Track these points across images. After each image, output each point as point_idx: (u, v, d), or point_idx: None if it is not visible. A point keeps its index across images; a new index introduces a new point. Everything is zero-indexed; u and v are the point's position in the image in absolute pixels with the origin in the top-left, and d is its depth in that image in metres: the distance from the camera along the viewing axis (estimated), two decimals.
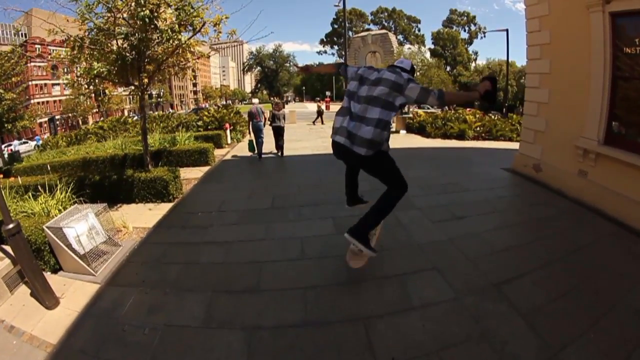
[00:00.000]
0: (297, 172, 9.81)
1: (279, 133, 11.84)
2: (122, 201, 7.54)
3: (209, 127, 15.68)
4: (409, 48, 66.11)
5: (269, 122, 11.98)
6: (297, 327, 3.36)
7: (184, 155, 10.50)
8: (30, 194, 6.75)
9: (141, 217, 6.64)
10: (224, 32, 6.85)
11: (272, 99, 60.32)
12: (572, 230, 5.38)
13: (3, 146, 31.83)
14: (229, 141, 14.54)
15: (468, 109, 36.41)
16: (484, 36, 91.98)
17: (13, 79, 20.03)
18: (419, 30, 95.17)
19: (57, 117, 59.46)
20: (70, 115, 59.29)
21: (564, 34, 7.30)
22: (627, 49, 5.96)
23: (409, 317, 3.40)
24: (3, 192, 6.68)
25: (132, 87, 7.43)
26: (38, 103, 54.62)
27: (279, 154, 11.96)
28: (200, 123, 16.10)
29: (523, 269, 4.19)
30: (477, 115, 17.46)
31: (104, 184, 7.67)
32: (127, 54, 6.79)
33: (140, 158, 10.07)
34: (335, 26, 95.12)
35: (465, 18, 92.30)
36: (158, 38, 6.64)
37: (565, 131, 7.11)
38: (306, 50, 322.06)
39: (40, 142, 27.33)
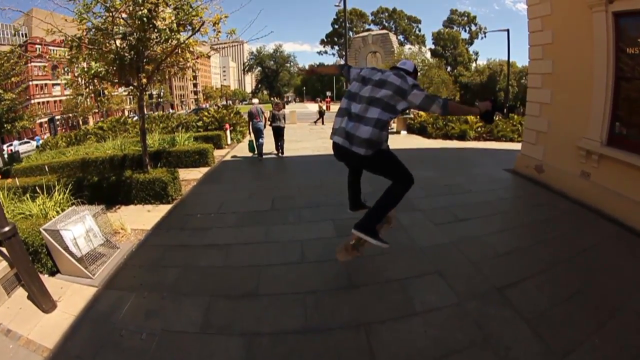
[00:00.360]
0: (298, 173, 9.75)
1: (279, 133, 11.85)
2: (121, 202, 7.48)
3: (208, 127, 15.61)
4: (410, 48, 65.84)
5: (269, 123, 11.92)
6: (297, 333, 3.29)
7: (183, 156, 10.43)
8: (28, 195, 6.67)
9: (140, 219, 6.57)
10: (224, 31, 6.77)
11: (272, 99, 60.32)
12: (575, 232, 5.32)
13: (4, 146, 31.83)
14: (229, 142, 14.48)
15: None
16: (485, 36, 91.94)
17: (12, 79, 20.00)
18: (419, 31, 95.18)
19: (57, 117, 59.41)
20: (70, 115, 59.22)
21: (566, 34, 7.24)
22: (630, 49, 5.90)
23: (411, 322, 3.34)
24: (0, 194, 6.68)
25: (131, 87, 7.35)
26: (38, 103, 54.61)
27: (279, 154, 11.93)
28: (200, 123, 16.03)
29: (526, 273, 4.13)
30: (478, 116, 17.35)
31: (103, 185, 7.62)
32: (126, 54, 6.73)
33: (140, 159, 9.99)
34: (336, 26, 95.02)
35: (465, 18, 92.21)
36: (157, 38, 6.57)
37: (568, 132, 7.05)
38: (306, 50, 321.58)
39: (41, 142, 27.27)
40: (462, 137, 15.06)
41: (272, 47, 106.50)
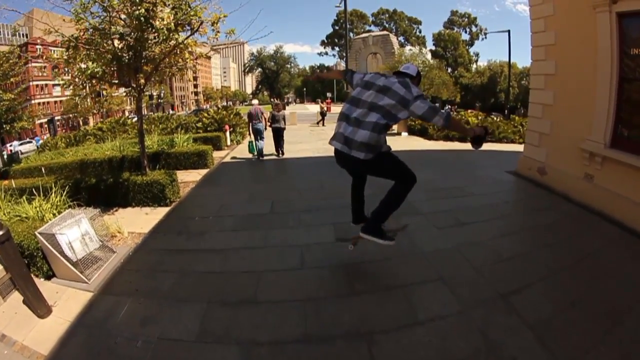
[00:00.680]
0: (298, 175, 9.63)
1: (279, 134, 11.91)
2: (119, 205, 7.40)
3: (208, 128, 15.49)
4: (410, 49, 65.74)
5: (268, 124, 11.91)
6: (296, 342, 3.19)
7: (182, 158, 10.34)
8: (25, 197, 6.59)
9: (137, 222, 6.47)
10: (223, 31, 6.68)
11: (272, 100, 60.29)
12: (579, 236, 5.25)
13: (8, 146, 31.76)
14: (229, 143, 14.37)
15: (470, 111, 36.31)
16: (485, 37, 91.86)
17: (12, 79, 19.93)
18: (420, 32, 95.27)
19: (57, 117, 59.34)
20: (71, 116, 59.16)
21: (569, 35, 7.16)
22: (634, 50, 5.83)
23: (415, 332, 3.23)
24: None
25: (130, 88, 7.25)
26: (39, 104, 54.54)
27: (279, 155, 11.95)
28: (199, 124, 15.90)
29: (530, 278, 4.04)
30: (480, 117, 17.27)
31: (100, 187, 7.56)
32: (124, 55, 6.64)
33: (138, 160, 9.93)
34: (336, 27, 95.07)
35: (466, 19, 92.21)
36: (155, 38, 6.48)
37: (571, 134, 6.98)
38: (307, 51, 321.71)
39: (40, 142, 27.21)
40: (463, 138, 14.88)
41: (273, 48, 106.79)
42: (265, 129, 11.84)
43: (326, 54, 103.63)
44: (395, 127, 17.19)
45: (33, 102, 53.43)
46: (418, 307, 3.54)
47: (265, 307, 3.65)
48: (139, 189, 7.16)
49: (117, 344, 3.33)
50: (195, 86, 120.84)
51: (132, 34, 6.27)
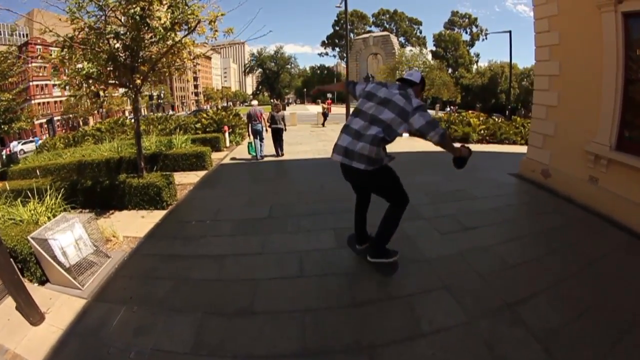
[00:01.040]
0: (297, 177, 9.42)
1: (278, 135, 11.96)
2: (115, 207, 7.28)
3: (207, 129, 15.35)
4: (411, 50, 65.73)
5: (268, 124, 11.89)
6: (294, 356, 3.04)
7: (180, 159, 10.20)
8: (19, 200, 6.47)
9: (133, 226, 6.35)
10: (221, 30, 6.54)
11: (272, 100, 60.14)
12: (585, 241, 5.11)
13: (11, 145, 31.64)
14: (228, 144, 14.20)
15: (470, 112, 36.18)
16: (486, 38, 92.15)
17: (10, 79, 19.82)
18: (420, 32, 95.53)
19: (57, 118, 59.30)
20: (70, 116, 59.16)
21: (574, 35, 7.04)
22: None
23: (418, 344, 3.08)
24: None
25: (126, 89, 7.13)
26: (38, 104, 54.51)
27: (278, 155, 11.99)
28: (198, 125, 15.72)
29: (537, 286, 3.90)
30: (481, 118, 17.13)
31: (96, 190, 7.44)
32: (120, 54, 6.51)
33: (136, 161, 9.80)
34: (337, 28, 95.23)
35: (466, 20, 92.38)
36: (152, 37, 6.34)
37: (576, 136, 6.86)
38: (307, 52, 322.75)
39: (40, 142, 27.11)
40: (464, 139, 14.79)
41: (273, 49, 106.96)
42: (266, 130, 11.84)
43: (326, 54, 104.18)
44: None
45: (33, 102, 53.41)
46: (421, 318, 3.39)
47: (263, 319, 3.49)
48: (135, 192, 7.02)
49: (109, 354, 3.21)
50: (196, 86, 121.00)
51: (128, 33, 6.13)
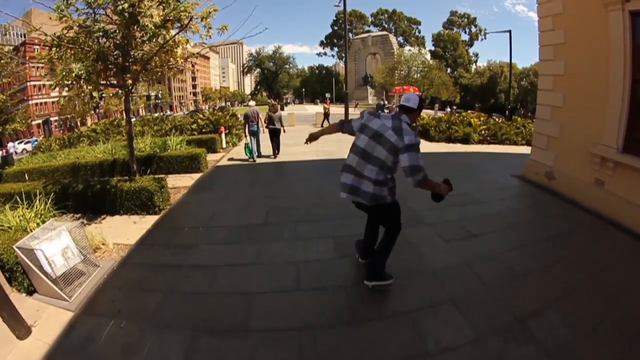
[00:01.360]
0: (295, 180, 9.11)
1: (275, 135, 11.87)
2: (107, 212, 7.05)
3: (203, 130, 15.01)
4: (409, 50, 65.53)
5: (265, 124, 11.83)
6: None
7: (174, 162, 9.90)
8: (8, 205, 6.24)
9: (124, 232, 6.11)
10: (215, 27, 6.29)
11: (269, 100, 59.68)
12: (592, 247, 4.94)
13: (9, 146, 31.28)
14: (224, 145, 13.89)
15: (469, 111, 35.94)
16: (485, 38, 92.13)
17: (4, 80, 19.56)
18: (419, 32, 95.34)
19: (54, 118, 58.98)
20: (68, 116, 58.86)
21: (579, 34, 6.86)
22: None
23: None
24: None
25: (117, 89, 6.89)
26: (36, 104, 54.20)
27: (275, 156, 11.92)
28: (194, 126, 15.32)
29: (547, 298, 3.71)
30: (482, 118, 16.90)
31: (87, 194, 7.20)
32: (110, 54, 6.27)
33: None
34: (335, 28, 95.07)
35: (465, 20, 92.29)
36: (143, 35, 6.09)
37: (581, 137, 6.69)
38: (306, 52, 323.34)
39: (36, 143, 26.86)
40: (465, 140, 14.58)
41: (271, 49, 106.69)
42: (262, 132, 11.78)
43: (325, 54, 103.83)
44: None
45: (30, 102, 53.13)
46: (427, 336, 3.16)
47: (256, 337, 3.24)
48: (126, 196, 6.77)
49: None
50: (194, 87, 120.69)
51: (118, 31, 5.88)
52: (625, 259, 4.61)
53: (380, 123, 3.40)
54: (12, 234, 4.86)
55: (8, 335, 3.55)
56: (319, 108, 40.74)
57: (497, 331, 3.22)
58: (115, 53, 6.37)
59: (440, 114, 32.02)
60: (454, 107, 53.32)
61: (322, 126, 22.27)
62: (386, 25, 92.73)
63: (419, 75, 52.88)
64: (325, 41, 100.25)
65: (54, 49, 6.11)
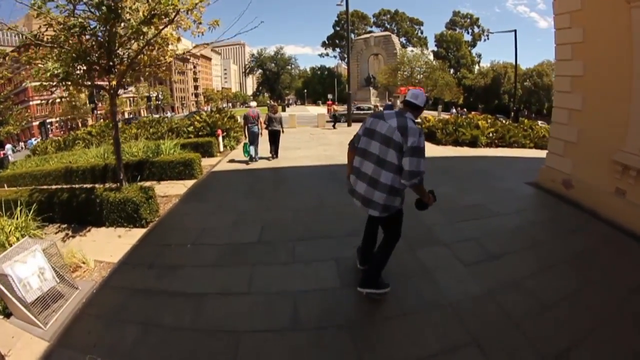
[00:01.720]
0: (294, 189, 8.35)
1: (274, 136, 11.72)
2: (92, 224, 6.57)
3: (199, 133, 14.37)
4: (412, 50, 64.90)
5: (264, 126, 11.60)
6: None
7: (167, 167, 9.32)
8: None
9: (108, 247, 5.63)
10: (206, 22, 5.80)
11: (269, 102, 59.09)
12: (619, 266, 4.49)
13: (6, 148, 30.81)
14: (221, 149, 13.29)
15: (474, 113, 35.39)
16: (488, 38, 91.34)
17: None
18: (421, 33, 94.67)
19: (54, 120, 58.62)
20: (69, 117, 58.56)
21: (599, 32, 6.40)
22: None
23: None
24: None
25: (101, 90, 6.40)
26: (37, 105, 53.83)
27: (273, 158, 11.73)
28: (190, 129, 14.65)
29: (579, 332, 3.27)
30: (489, 120, 16.35)
31: (73, 204, 6.74)
32: (93, 52, 5.78)
33: (123, 168, 9.12)
34: (337, 28, 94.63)
35: (468, 20, 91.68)
36: (127, 32, 5.57)
37: (601, 143, 6.26)
38: (308, 53, 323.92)
39: (33, 145, 26.48)
40: (473, 143, 14.01)
41: (273, 50, 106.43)
42: (261, 134, 11.51)
43: (327, 55, 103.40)
44: None
45: (31, 103, 52.90)
46: None
47: None
48: (112, 208, 6.25)
49: None
50: (196, 87, 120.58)
51: (98, 27, 5.38)
52: None
53: (387, 126, 3.32)
54: None
55: None
56: (321, 109, 40.24)
57: None
58: (99, 52, 5.88)
59: (444, 115, 31.49)
60: (459, 108, 52.84)
61: (334, 127, 21.59)
62: (388, 26, 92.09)
63: (422, 76, 52.28)
64: (327, 42, 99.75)
65: (32, 48, 5.62)
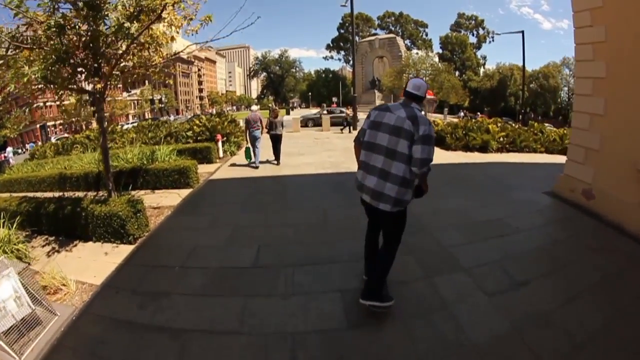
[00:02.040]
0: (295, 202, 7.60)
1: (276, 141, 11.55)
2: (80, 237, 6.15)
3: (198, 138, 13.88)
4: (417, 53, 64.42)
5: (266, 130, 11.39)
6: None
7: (161, 175, 8.82)
8: None
9: (92, 266, 5.19)
10: (197, 18, 5.39)
11: (269, 106, 58.29)
12: None
13: (7, 151, 30.50)
14: (221, 154, 12.79)
15: (481, 115, 34.85)
16: (493, 40, 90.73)
17: None
18: (426, 35, 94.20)
19: (58, 122, 58.65)
20: (73, 120, 58.59)
21: (623, 30, 5.94)
22: None
23: None
24: None
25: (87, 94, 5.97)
26: (40, 107, 53.77)
27: (276, 162, 11.54)
28: (189, 133, 14.12)
29: None
30: (499, 124, 15.82)
31: (59, 216, 6.33)
32: (77, 54, 5.33)
33: (116, 176, 8.70)
34: (342, 31, 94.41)
35: (473, 22, 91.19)
36: (109, 31, 5.11)
37: (626, 151, 5.83)
38: (312, 56, 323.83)
39: (34, 148, 26.22)
40: (484, 148, 13.46)
41: (278, 53, 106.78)
42: (262, 133, 11.31)
43: (332, 57, 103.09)
44: None
45: (35, 106, 52.85)
46: None
47: None
48: (98, 222, 5.79)
49: None
50: (201, 90, 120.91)
51: (79, 25, 4.92)
52: None
53: (395, 116, 3.30)
54: None
55: None
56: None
57: None
58: (84, 53, 5.43)
59: (450, 118, 30.93)
60: (467, 111, 52.28)
61: (341, 132, 20.98)
62: (393, 28, 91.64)
63: (427, 78, 51.75)
64: (331, 44, 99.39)
65: (9, 50, 5.18)
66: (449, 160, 11.62)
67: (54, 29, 4.65)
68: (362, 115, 22.46)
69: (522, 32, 31.32)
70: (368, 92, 62.33)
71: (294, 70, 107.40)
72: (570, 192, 7.02)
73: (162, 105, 79.92)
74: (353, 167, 3.45)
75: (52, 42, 5.09)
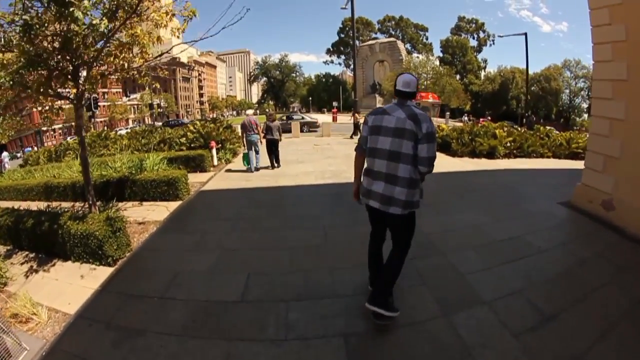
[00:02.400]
0: (292, 218, 6.88)
1: (273, 146, 11.48)
2: (58, 256, 5.71)
3: (192, 145, 13.30)
4: (418, 56, 64.19)
5: (262, 135, 11.26)
6: None
7: (149, 186, 8.25)
8: None
9: (68, 290, 4.74)
10: (178, 12, 4.96)
11: (267, 110, 57.59)
12: None
13: (2, 156, 30.01)
14: (215, 162, 12.25)
15: (482, 119, 34.36)
16: (493, 43, 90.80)
17: None
18: (426, 39, 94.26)
19: (59, 126, 58.42)
20: (73, 124, 58.32)
21: None
22: None
23: None
24: None
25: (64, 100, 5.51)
26: (41, 111, 53.62)
27: (273, 167, 11.49)
28: (183, 140, 13.54)
29: None
30: (506, 129, 15.35)
31: (37, 232, 5.90)
32: (52, 56, 4.88)
33: (103, 186, 8.26)
34: (342, 35, 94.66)
35: (474, 25, 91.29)
36: (84, 31, 4.62)
37: None
38: (312, 60, 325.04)
39: (26, 154, 25.87)
40: (491, 154, 12.99)
41: (278, 57, 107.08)
42: (260, 142, 11.24)
43: (332, 62, 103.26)
44: None
45: (34, 110, 52.47)
46: None
47: None
48: (75, 241, 5.29)
49: None
50: (201, 95, 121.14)
51: (46, 25, 4.46)
52: None
53: (394, 118, 3.24)
54: None
55: None
56: (326, 117, 39.18)
57: None
58: (60, 55, 4.97)
59: (452, 122, 30.47)
60: (470, 115, 51.86)
61: (351, 138, 20.27)
62: (393, 32, 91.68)
63: (429, 82, 51.45)
64: (331, 49, 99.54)
65: None
66: (456, 167, 11.10)
67: (20, 29, 4.16)
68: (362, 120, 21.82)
69: (525, 34, 30.97)
70: (369, 96, 62.16)
71: (294, 74, 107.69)
72: (588, 203, 6.54)
73: (161, 110, 79.64)
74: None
75: (22, 44, 4.63)
